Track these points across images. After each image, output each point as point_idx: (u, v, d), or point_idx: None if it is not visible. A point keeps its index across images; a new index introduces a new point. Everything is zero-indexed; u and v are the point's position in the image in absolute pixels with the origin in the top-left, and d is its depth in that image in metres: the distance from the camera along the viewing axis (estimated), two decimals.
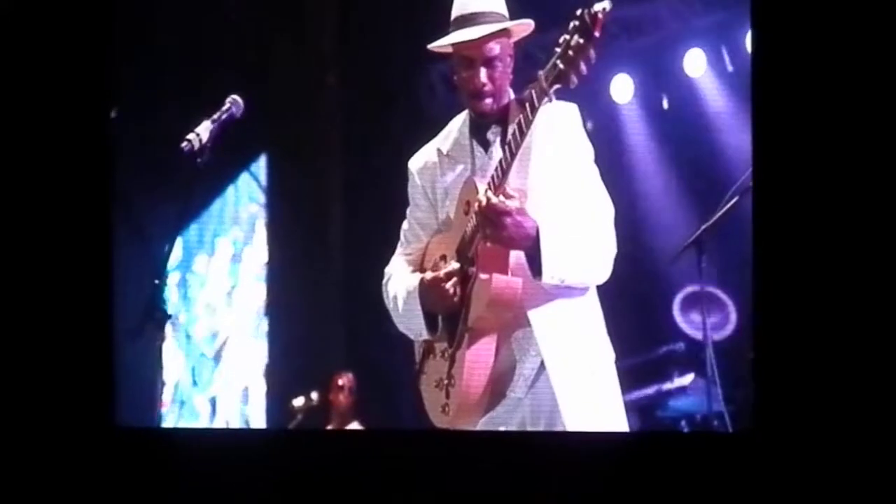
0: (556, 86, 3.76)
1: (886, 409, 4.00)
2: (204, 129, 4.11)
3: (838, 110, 4.06)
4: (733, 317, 6.27)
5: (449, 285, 3.98)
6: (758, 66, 4.18)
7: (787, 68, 4.11)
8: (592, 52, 3.69)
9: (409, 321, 4.10)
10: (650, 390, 6.53)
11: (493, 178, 3.90)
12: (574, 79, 3.73)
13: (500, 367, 3.98)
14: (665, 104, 6.38)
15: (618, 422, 4.04)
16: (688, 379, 6.35)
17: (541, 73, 3.79)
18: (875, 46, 4.04)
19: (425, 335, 4.08)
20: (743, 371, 5.77)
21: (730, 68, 6.26)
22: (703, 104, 6.19)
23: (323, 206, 6.75)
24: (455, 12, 4.03)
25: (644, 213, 6.09)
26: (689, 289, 6.11)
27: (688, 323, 6.41)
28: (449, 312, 4.02)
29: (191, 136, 4.07)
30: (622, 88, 6.44)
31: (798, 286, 4.11)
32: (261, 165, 6.67)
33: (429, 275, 4.04)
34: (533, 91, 3.81)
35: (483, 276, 3.93)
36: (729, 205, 5.13)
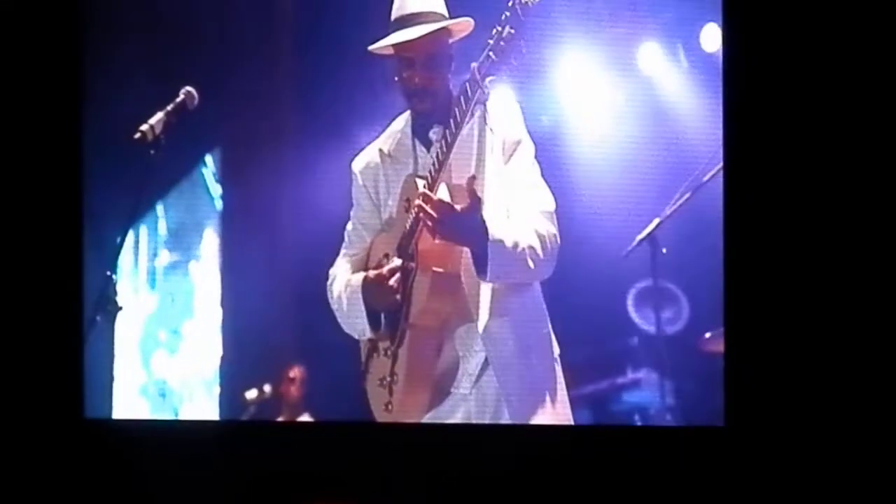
0: (490, 77, 3.78)
1: (856, 403, 4.03)
2: (157, 121, 4.10)
3: (808, 104, 4.09)
4: (686, 311, 6.30)
5: (392, 282, 3.99)
6: (728, 59, 4.19)
7: (757, 61, 4.13)
8: (523, 43, 3.72)
9: (353, 320, 4.11)
10: (603, 384, 6.55)
11: (429, 172, 3.91)
12: (506, 69, 3.76)
13: (443, 364, 3.99)
14: (622, 100, 6.38)
15: (562, 417, 4.06)
16: (641, 373, 6.37)
17: (474, 65, 3.81)
18: (845, 41, 4.06)
19: (369, 334, 4.08)
20: (695, 365, 5.82)
21: (685, 64, 6.28)
22: (657, 99, 6.21)
23: (278, 199, 6.73)
24: (394, 13, 4.04)
25: (598, 207, 6.11)
26: (643, 283, 6.13)
27: (641, 317, 6.43)
28: (391, 309, 4.03)
29: (144, 127, 4.07)
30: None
31: (767, 280, 4.14)
32: (216, 158, 6.64)
33: (372, 272, 4.05)
34: (468, 84, 3.83)
35: (423, 271, 3.94)
36: (682, 199, 5.16)
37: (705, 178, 5.02)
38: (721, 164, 4.89)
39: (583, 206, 6.15)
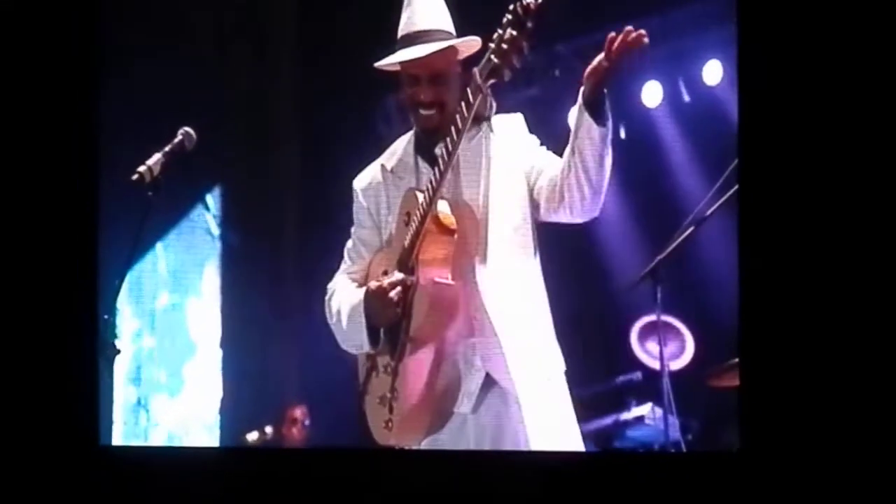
0: (492, 80, 3.76)
1: (869, 433, 3.98)
2: (155, 162, 4.06)
3: (823, 132, 4.05)
4: (690, 346, 6.28)
5: (393, 294, 3.94)
6: (744, 86, 4.16)
7: (773, 87, 4.10)
8: (525, 45, 3.69)
9: (352, 335, 4.05)
10: (607, 420, 6.51)
11: (430, 182, 3.89)
12: (508, 72, 3.72)
13: (444, 381, 3.93)
14: (623, 134, 6.39)
15: (572, 433, 4.01)
16: (645, 409, 6.34)
17: (475, 69, 3.78)
18: (857, 74, 4.04)
19: (367, 348, 4.04)
20: (700, 400, 5.78)
21: (686, 99, 6.28)
22: (660, 134, 6.21)
23: (276, 238, 6.72)
24: (402, 30, 4.01)
25: (601, 242, 6.09)
26: (646, 318, 6.11)
27: (645, 352, 6.40)
28: (392, 323, 3.98)
29: (142, 168, 4.03)
30: None
31: (783, 306, 4.09)
32: (215, 197, 6.63)
33: (373, 284, 3.99)
34: (468, 89, 3.81)
35: (424, 282, 3.91)
36: (685, 234, 5.13)
37: (708, 213, 4.99)
38: (724, 198, 4.88)
39: (585, 241, 6.14)
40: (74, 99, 4.37)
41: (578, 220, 3.95)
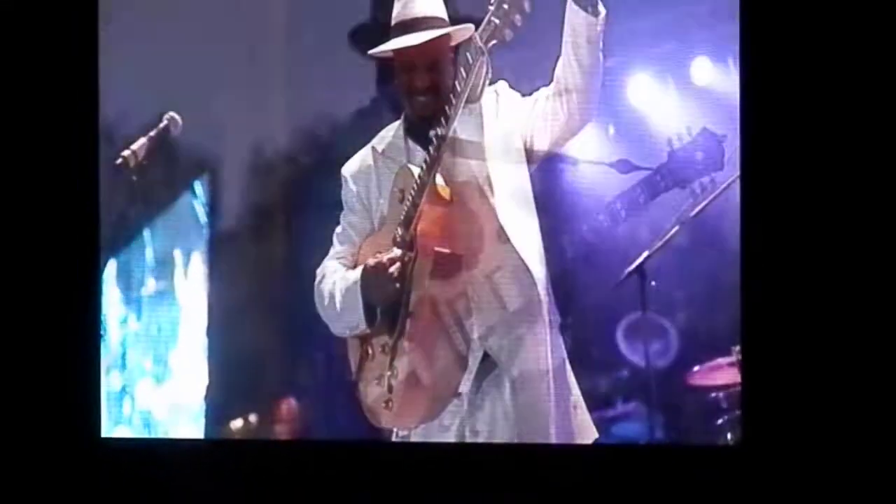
0: (493, 41, 3.78)
1: (870, 428, 4.00)
2: (140, 146, 4.08)
3: (824, 127, 4.07)
4: (675, 344, 6.29)
5: (393, 269, 3.96)
6: (746, 78, 4.18)
7: (774, 78, 4.11)
8: (527, 3, 3.72)
9: (347, 316, 4.06)
10: (592, 417, 6.50)
11: (428, 153, 3.90)
12: (509, 32, 3.76)
13: (445, 359, 3.96)
14: (611, 130, 6.39)
15: (568, 414, 4.03)
16: (630, 406, 6.34)
17: (475, 33, 3.81)
18: (860, 77, 4.06)
19: (363, 328, 4.04)
20: (684, 399, 5.79)
21: (675, 95, 6.28)
22: (648, 131, 6.20)
23: (264, 226, 6.71)
24: (396, 18, 4.05)
25: (587, 239, 6.06)
26: (632, 316, 6.12)
27: (631, 350, 6.41)
28: (390, 300, 4.00)
29: (126, 152, 4.05)
30: None
31: (785, 302, 4.11)
32: (204, 184, 6.62)
33: (372, 260, 4.02)
34: (468, 53, 3.84)
35: (424, 255, 3.93)
36: (671, 232, 5.14)
37: (693, 213, 5.01)
38: (712, 196, 4.89)
39: (571, 238, 6.13)
40: (74, 97, 4.39)
41: (575, 125, 3.95)
